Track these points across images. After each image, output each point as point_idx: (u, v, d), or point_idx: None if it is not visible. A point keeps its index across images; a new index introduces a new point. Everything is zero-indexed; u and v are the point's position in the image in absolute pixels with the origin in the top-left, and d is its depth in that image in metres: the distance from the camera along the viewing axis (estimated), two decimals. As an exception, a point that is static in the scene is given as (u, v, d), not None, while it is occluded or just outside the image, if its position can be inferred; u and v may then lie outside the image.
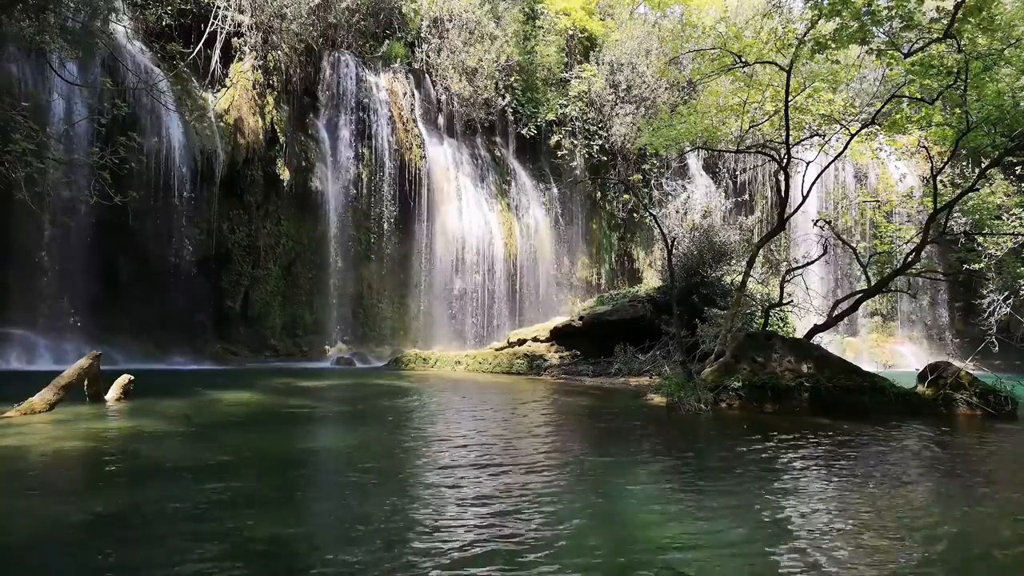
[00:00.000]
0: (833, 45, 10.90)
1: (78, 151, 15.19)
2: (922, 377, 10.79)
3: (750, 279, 14.21)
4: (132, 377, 9.65)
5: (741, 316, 14.21)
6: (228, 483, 5.15)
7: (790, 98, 12.06)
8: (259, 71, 20.40)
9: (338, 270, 21.69)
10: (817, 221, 14.87)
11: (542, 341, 18.56)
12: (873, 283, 13.54)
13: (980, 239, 17.40)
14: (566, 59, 27.55)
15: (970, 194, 13.43)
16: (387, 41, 24.30)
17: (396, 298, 23.15)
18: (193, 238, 18.39)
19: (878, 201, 26.33)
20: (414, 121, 23.74)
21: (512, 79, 25.67)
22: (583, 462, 6.49)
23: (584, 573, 3.47)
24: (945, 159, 14.33)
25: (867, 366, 13.66)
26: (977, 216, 15.76)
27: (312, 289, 21.47)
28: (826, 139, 14.23)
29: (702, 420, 9.32)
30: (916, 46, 11.28)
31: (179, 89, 18.53)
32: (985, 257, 18.34)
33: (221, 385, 12.00)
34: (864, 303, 15.83)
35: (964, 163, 22.81)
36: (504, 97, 25.49)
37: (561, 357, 17.57)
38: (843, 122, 13.55)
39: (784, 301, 13.78)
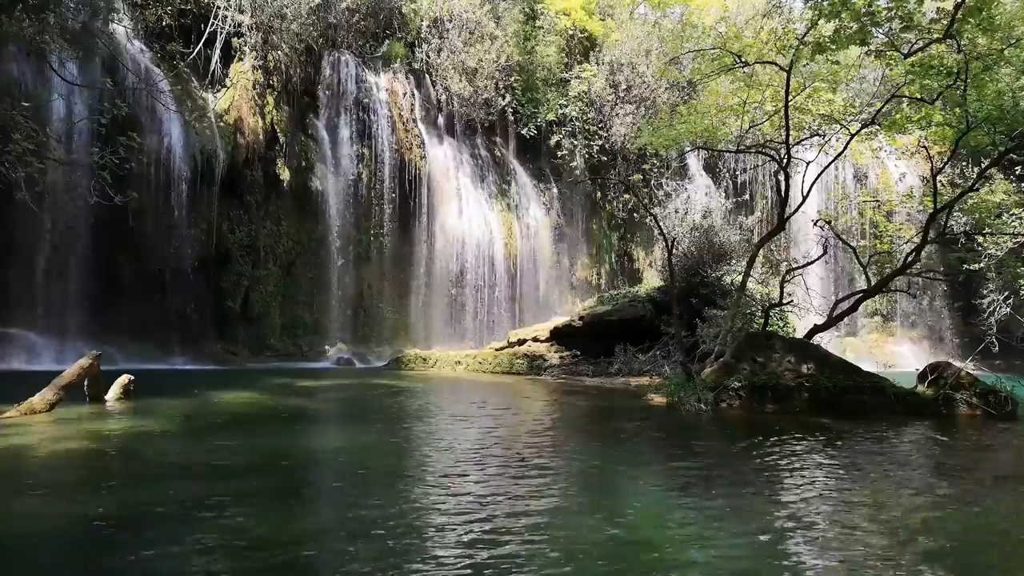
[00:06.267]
0: (833, 47, 10.91)
1: (78, 151, 15.18)
2: (922, 377, 10.79)
3: (750, 279, 14.20)
4: (132, 377, 9.65)
5: (741, 316, 14.21)
6: (228, 483, 5.15)
7: (790, 98, 12.06)
8: (259, 71, 20.40)
9: (338, 270, 21.67)
10: (817, 221, 14.85)
11: (542, 341, 18.55)
12: (873, 283, 13.53)
13: (980, 239, 17.37)
14: (566, 59, 27.52)
15: (970, 194, 13.41)
16: (387, 41, 24.30)
17: (396, 298, 23.14)
18: (193, 238, 18.38)
19: (878, 201, 26.33)
20: (414, 121, 23.73)
21: (512, 79, 25.66)
22: (583, 463, 6.50)
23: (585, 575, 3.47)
24: (945, 159, 14.32)
25: (867, 366, 13.63)
26: (977, 216, 15.74)
27: (312, 289, 21.46)
28: (826, 139, 14.22)
29: (702, 420, 9.33)
30: (916, 46, 11.28)
31: (179, 89, 18.53)
32: (985, 257, 18.29)
33: (221, 385, 11.99)
34: (864, 303, 15.81)
35: (964, 163, 22.78)
36: (504, 97, 25.47)
37: (561, 357, 17.57)
38: (843, 122, 13.54)
39: (784, 301, 13.77)
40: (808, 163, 13.70)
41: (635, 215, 27.43)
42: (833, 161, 14.48)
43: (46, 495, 4.79)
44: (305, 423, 8.92)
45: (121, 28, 17.74)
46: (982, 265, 18.64)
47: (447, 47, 24.44)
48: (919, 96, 11.68)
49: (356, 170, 22.18)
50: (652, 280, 24.09)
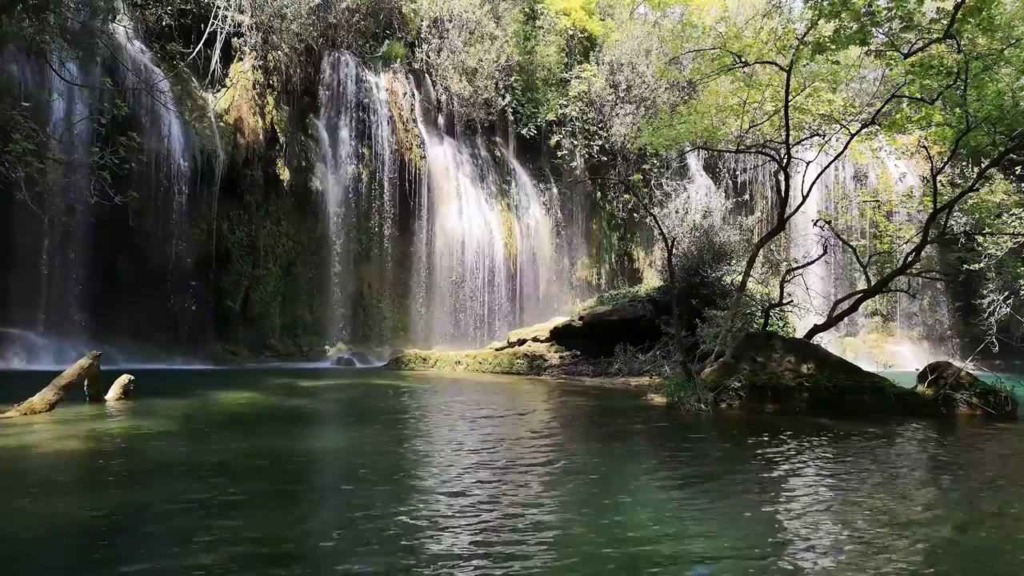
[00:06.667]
0: (833, 47, 10.91)
1: (78, 151, 15.18)
2: (922, 377, 10.79)
3: (750, 279, 14.20)
4: (132, 377, 9.65)
5: (741, 316, 14.21)
6: (228, 483, 5.15)
7: (790, 98, 12.06)
8: (259, 71, 20.40)
9: (338, 270, 21.69)
10: (817, 221, 14.86)
11: (542, 341, 18.56)
12: (873, 283, 13.53)
13: (980, 239, 17.38)
14: (566, 59, 27.53)
15: (970, 194, 13.41)
16: (387, 41, 24.30)
17: (396, 298, 23.14)
18: (193, 238, 18.39)
19: (878, 201, 26.31)
20: (414, 121, 23.74)
21: (512, 79, 25.67)
22: (583, 463, 6.49)
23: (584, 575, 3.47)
24: (945, 159, 14.31)
25: (867, 366, 13.64)
26: (977, 216, 15.74)
27: (312, 289, 21.47)
28: (826, 139, 14.22)
29: (702, 420, 9.32)
30: (916, 46, 11.28)
31: (179, 89, 18.53)
32: (985, 257, 18.30)
33: (221, 385, 12.00)
34: (864, 303, 15.81)
35: (964, 163, 22.79)
36: (504, 97, 25.48)
37: (561, 357, 17.57)
38: (843, 122, 13.54)
39: (784, 301, 13.78)
40: (808, 163, 13.71)
41: (635, 215, 27.45)
42: (833, 161, 14.48)
43: (46, 495, 4.79)
44: (305, 423, 8.92)
45: (121, 28, 17.72)
46: (982, 265, 18.64)
47: (447, 47, 24.44)
48: (919, 96, 11.67)
49: (356, 170, 22.18)
50: (652, 280, 24.10)
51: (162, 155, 17.70)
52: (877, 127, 12.94)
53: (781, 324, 16.94)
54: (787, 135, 12.40)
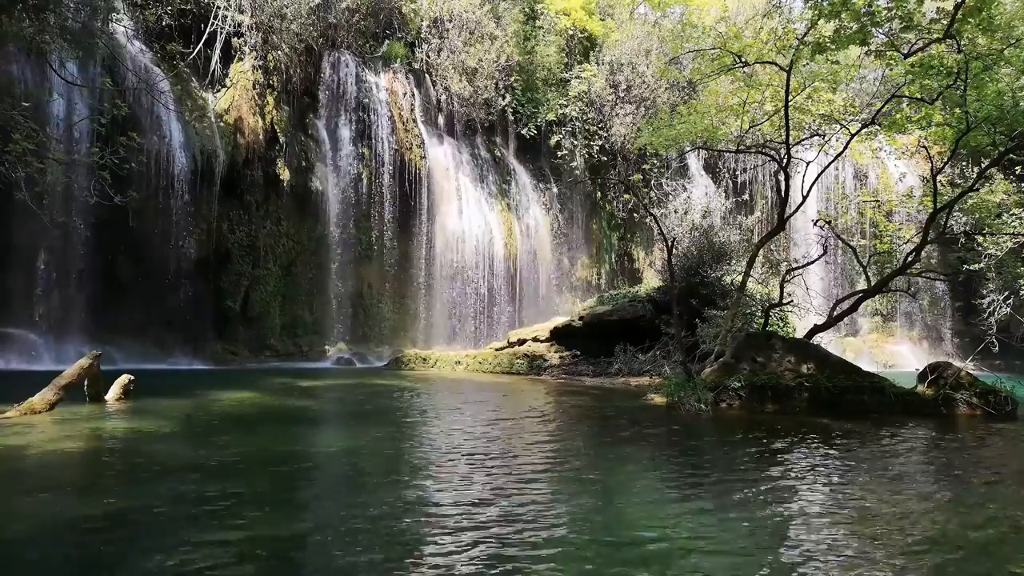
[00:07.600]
0: (833, 47, 10.91)
1: (78, 151, 15.18)
2: (922, 377, 10.79)
3: (750, 279, 14.20)
4: (132, 377, 9.66)
5: (741, 316, 14.21)
6: (228, 483, 5.15)
7: (790, 98, 12.06)
8: (259, 71, 20.40)
9: (338, 270, 21.68)
10: (817, 221, 14.86)
11: (542, 341, 18.55)
12: (873, 283, 13.53)
13: (980, 239, 17.39)
14: (566, 59, 27.53)
15: (970, 194, 13.41)
16: (387, 41, 24.30)
17: (396, 298, 23.14)
18: (193, 238, 18.38)
19: (878, 201, 26.31)
20: (414, 121, 23.73)
21: (512, 79, 25.66)
22: (583, 463, 6.49)
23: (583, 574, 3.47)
24: (945, 159, 14.32)
25: (867, 366, 13.63)
26: (977, 216, 15.74)
27: (312, 289, 21.46)
28: (826, 139, 14.23)
29: (702, 420, 9.32)
30: (916, 46, 11.28)
31: (179, 89, 18.53)
32: (985, 257, 18.31)
33: (221, 385, 12.00)
34: (864, 303, 15.82)
35: (964, 163, 22.79)
36: (504, 97, 25.48)
37: (561, 357, 17.57)
38: (843, 122, 13.54)
39: (784, 301, 13.78)
40: (808, 163, 13.71)
41: (635, 215, 27.44)
42: (833, 161, 14.49)
43: (46, 495, 4.79)
44: (305, 424, 8.91)
45: (121, 28, 17.72)
46: (982, 265, 18.64)
47: (447, 47, 24.44)
48: (919, 96, 11.68)
49: (356, 170, 22.18)
50: (652, 280, 24.08)
51: (162, 155, 17.69)
52: (877, 127, 12.94)
53: (781, 324, 16.93)
54: (787, 135, 12.41)
